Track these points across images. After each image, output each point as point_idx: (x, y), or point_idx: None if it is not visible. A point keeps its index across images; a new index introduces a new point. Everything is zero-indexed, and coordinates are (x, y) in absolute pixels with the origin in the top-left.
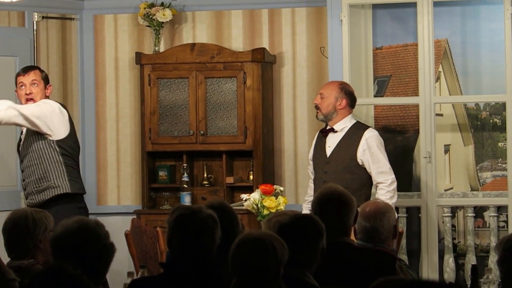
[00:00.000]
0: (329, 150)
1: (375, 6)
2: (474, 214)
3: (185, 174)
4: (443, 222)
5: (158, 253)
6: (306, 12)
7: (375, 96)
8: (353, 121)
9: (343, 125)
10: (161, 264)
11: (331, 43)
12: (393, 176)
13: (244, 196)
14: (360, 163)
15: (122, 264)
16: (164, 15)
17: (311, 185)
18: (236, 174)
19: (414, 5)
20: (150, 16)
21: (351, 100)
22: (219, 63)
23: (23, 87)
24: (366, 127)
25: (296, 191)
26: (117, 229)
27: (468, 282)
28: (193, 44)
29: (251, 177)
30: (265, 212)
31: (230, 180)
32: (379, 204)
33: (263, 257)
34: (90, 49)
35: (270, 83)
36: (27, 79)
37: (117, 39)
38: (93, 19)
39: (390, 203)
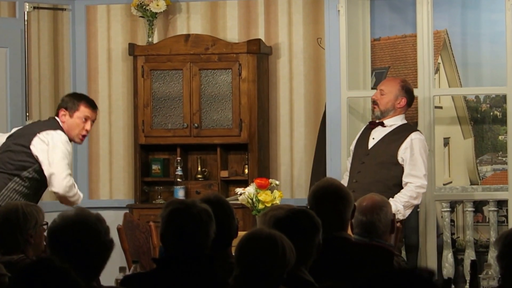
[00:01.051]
0: (371, 142)
1: None
2: (473, 209)
3: (178, 167)
4: (442, 216)
5: (151, 248)
6: (303, 2)
7: (372, 88)
8: (404, 121)
9: (393, 122)
10: (154, 260)
11: (328, 34)
12: (425, 182)
13: (239, 190)
14: (400, 161)
15: (114, 259)
16: (158, 5)
17: (346, 177)
18: (231, 168)
19: None
20: (144, 7)
21: (410, 99)
22: (214, 54)
23: (88, 122)
24: (414, 129)
25: (292, 185)
26: (110, 223)
27: (467, 278)
28: (187, 35)
29: (246, 170)
30: (260, 206)
31: (224, 174)
32: (376, 198)
33: (272, 256)
34: (82, 40)
35: (266, 75)
36: (95, 116)
37: (110, 30)
38: (85, 9)
39: (412, 202)
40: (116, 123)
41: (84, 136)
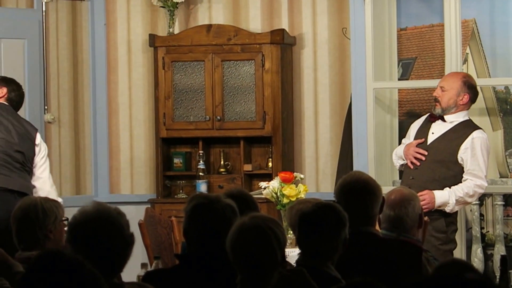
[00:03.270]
0: (431, 137)
1: None
2: (503, 202)
3: (201, 161)
4: (470, 210)
5: (173, 244)
6: None
7: (399, 79)
8: (466, 118)
9: (455, 118)
10: (176, 256)
11: (353, 24)
12: (485, 183)
13: (263, 184)
14: (460, 160)
15: (135, 255)
16: None
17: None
18: (255, 161)
19: None
20: None
21: (474, 95)
22: (237, 45)
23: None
24: (476, 127)
25: (317, 179)
26: (131, 218)
27: (497, 273)
28: (209, 26)
29: (270, 164)
30: (285, 200)
31: (248, 167)
32: (404, 192)
33: (266, 246)
34: (101, 31)
35: (290, 65)
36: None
37: (129, 20)
38: None
39: (466, 200)
40: (136, 116)
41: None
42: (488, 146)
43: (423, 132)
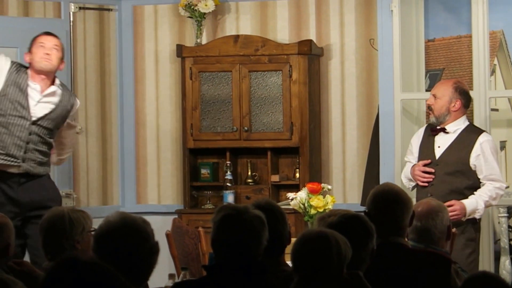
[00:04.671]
0: (438, 151)
1: None
2: None
3: (228, 172)
4: (498, 222)
5: (200, 255)
6: (355, 2)
7: (427, 90)
8: (466, 123)
9: (455, 127)
10: (204, 267)
11: (381, 35)
12: (504, 184)
13: (290, 195)
14: (473, 168)
15: (163, 265)
16: (206, 5)
17: (405, 181)
18: (282, 172)
19: None
20: (192, 7)
21: (466, 100)
22: (264, 55)
23: (43, 47)
24: (480, 131)
25: (344, 190)
26: (158, 229)
27: None
28: (237, 36)
29: (297, 175)
30: (313, 211)
31: (275, 178)
32: (432, 203)
33: (328, 254)
34: (129, 42)
35: (317, 76)
36: (50, 41)
37: (157, 30)
38: (132, 9)
39: (491, 203)
40: (163, 126)
41: (45, 59)
42: (496, 146)
43: (427, 147)
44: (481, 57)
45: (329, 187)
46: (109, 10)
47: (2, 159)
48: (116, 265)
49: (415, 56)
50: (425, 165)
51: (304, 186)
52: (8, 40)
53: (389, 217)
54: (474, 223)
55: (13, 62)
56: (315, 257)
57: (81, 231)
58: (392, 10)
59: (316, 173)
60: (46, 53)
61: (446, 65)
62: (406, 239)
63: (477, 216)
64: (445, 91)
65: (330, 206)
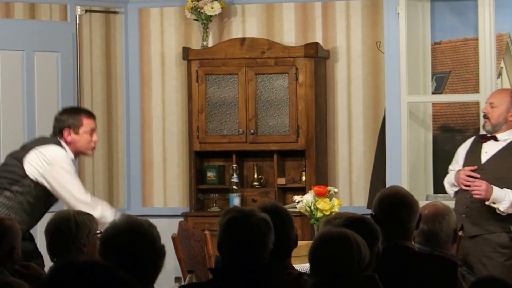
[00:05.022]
0: (485, 156)
1: None
2: None
3: (234, 175)
4: None
5: (206, 258)
6: (361, 5)
7: (433, 93)
8: None
9: (506, 137)
10: (210, 270)
11: (387, 38)
12: None
13: (296, 198)
14: None
15: (169, 269)
16: (212, 8)
17: (449, 188)
18: (288, 175)
19: None
20: (198, 10)
21: None
22: (270, 58)
23: (94, 133)
24: None
25: (351, 193)
26: (164, 232)
27: None
28: (243, 39)
29: (303, 178)
30: (319, 214)
31: (281, 181)
32: (439, 206)
33: (349, 256)
34: (135, 44)
35: (324, 79)
36: (96, 125)
37: (163, 33)
38: (138, 12)
39: None
40: (170, 129)
41: (94, 147)
42: None
43: (474, 152)
44: (488, 59)
45: (336, 190)
46: (115, 13)
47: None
48: (122, 268)
49: (422, 58)
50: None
51: (311, 189)
52: (14, 43)
53: (395, 220)
54: (509, 232)
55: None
56: (336, 259)
57: (87, 234)
58: (398, 13)
59: (322, 176)
60: (95, 141)
61: (452, 68)
62: (412, 242)
63: (501, 208)
64: (502, 100)
65: (336, 209)
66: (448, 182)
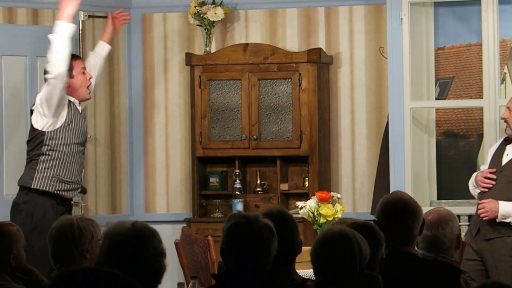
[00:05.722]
0: (505, 159)
1: (437, 4)
2: None
3: (237, 180)
4: None
5: (210, 263)
6: (365, 11)
7: (436, 98)
8: None
9: None
10: (213, 276)
11: (390, 43)
12: None
13: (299, 203)
14: None
15: (172, 274)
16: (215, 13)
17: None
18: (291, 181)
19: (478, 3)
20: (201, 15)
21: None
22: (273, 64)
23: (85, 71)
24: None
25: (354, 198)
26: (167, 237)
27: None
28: (246, 44)
29: (306, 183)
30: (322, 220)
31: (284, 186)
32: (442, 212)
33: (351, 255)
34: (138, 49)
35: (327, 85)
36: (83, 63)
37: (166, 39)
38: (141, 18)
39: None
40: (172, 135)
41: (89, 86)
42: None
43: (497, 155)
44: (491, 65)
45: (339, 195)
46: None
47: (70, 189)
48: (125, 272)
49: (425, 64)
50: (490, 173)
51: (314, 195)
52: (17, 48)
53: (398, 226)
54: None
55: None
56: (338, 258)
57: (90, 239)
58: (402, 18)
59: (325, 181)
60: (90, 77)
61: (456, 74)
62: (416, 248)
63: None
64: None
65: (339, 215)
66: (472, 183)
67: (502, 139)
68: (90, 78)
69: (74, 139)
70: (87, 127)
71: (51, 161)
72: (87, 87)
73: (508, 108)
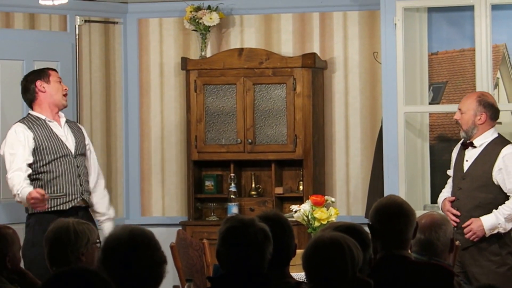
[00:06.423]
0: (466, 165)
1: (430, 10)
2: None
3: (232, 184)
4: None
5: (205, 266)
6: (359, 16)
7: (430, 103)
8: (495, 135)
9: (482, 140)
10: (208, 278)
11: (384, 48)
12: None
13: (294, 207)
14: (496, 182)
15: (167, 277)
16: (211, 18)
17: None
18: (286, 184)
19: (471, 8)
20: (197, 20)
21: (492, 112)
22: (268, 68)
23: (61, 84)
24: (505, 142)
25: (348, 202)
26: (162, 241)
27: None
28: (241, 49)
29: (301, 187)
30: (316, 224)
31: (279, 190)
32: (436, 216)
33: (342, 261)
34: (134, 54)
35: (321, 89)
36: (59, 77)
37: (162, 43)
38: (137, 23)
39: None
40: (168, 138)
41: (66, 95)
42: None
43: (458, 161)
44: (484, 70)
45: (333, 199)
46: (114, 23)
47: (66, 201)
48: (122, 277)
49: (419, 69)
50: (453, 180)
51: (308, 199)
52: (14, 52)
53: (392, 230)
54: (500, 238)
55: (23, 124)
56: (330, 264)
57: (85, 243)
58: (395, 24)
59: (320, 185)
60: (66, 88)
61: (449, 78)
62: (409, 252)
63: (500, 230)
64: (469, 105)
65: (333, 219)
66: (439, 202)
67: (460, 143)
68: (67, 90)
69: (55, 154)
70: (77, 135)
71: (39, 182)
72: (64, 95)
73: (460, 109)
